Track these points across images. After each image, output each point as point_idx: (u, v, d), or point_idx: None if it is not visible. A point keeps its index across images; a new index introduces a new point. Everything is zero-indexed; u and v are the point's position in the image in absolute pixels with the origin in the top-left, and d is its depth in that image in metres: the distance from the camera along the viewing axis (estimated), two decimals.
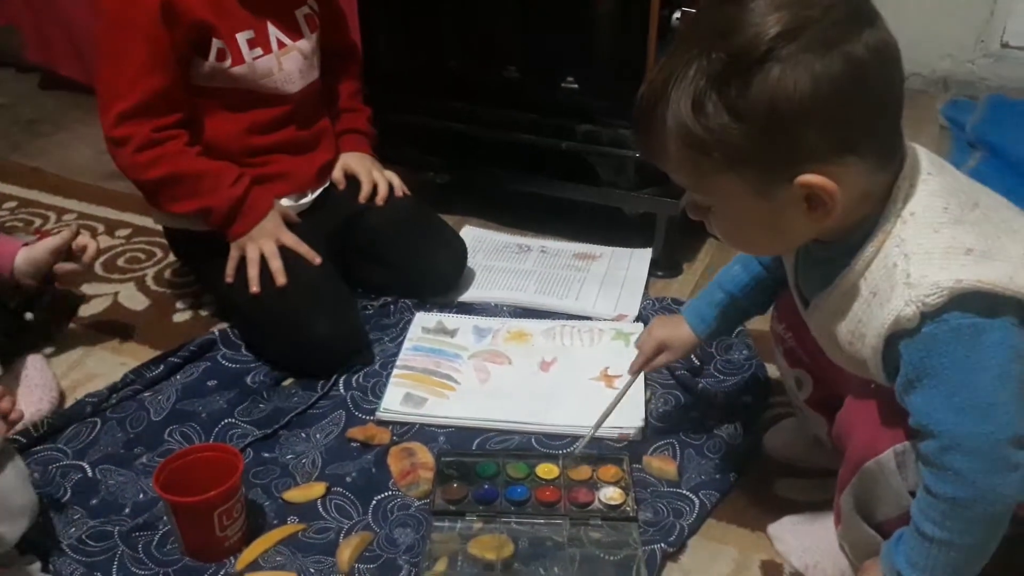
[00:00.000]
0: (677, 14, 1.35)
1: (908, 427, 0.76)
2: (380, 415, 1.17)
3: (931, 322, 0.71)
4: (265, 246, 1.24)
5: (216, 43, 1.22)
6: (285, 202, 1.34)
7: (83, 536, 0.98)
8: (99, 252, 1.30)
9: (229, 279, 1.25)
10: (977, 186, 0.80)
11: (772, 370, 1.20)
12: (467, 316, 1.37)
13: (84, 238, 1.26)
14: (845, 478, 0.85)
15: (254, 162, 1.30)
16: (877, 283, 0.75)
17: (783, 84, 0.67)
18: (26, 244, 1.23)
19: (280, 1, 1.29)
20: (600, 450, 1.10)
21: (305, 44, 1.31)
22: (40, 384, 1.19)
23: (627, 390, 1.07)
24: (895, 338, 0.74)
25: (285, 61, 1.29)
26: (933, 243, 0.72)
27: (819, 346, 0.87)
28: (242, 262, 1.25)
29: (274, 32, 1.28)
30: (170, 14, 1.17)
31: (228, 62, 1.23)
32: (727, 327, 1.07)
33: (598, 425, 1.07)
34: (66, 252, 1.24)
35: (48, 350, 1.30)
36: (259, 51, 1.26)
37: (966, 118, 1.89)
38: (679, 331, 1.05)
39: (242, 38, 1.24)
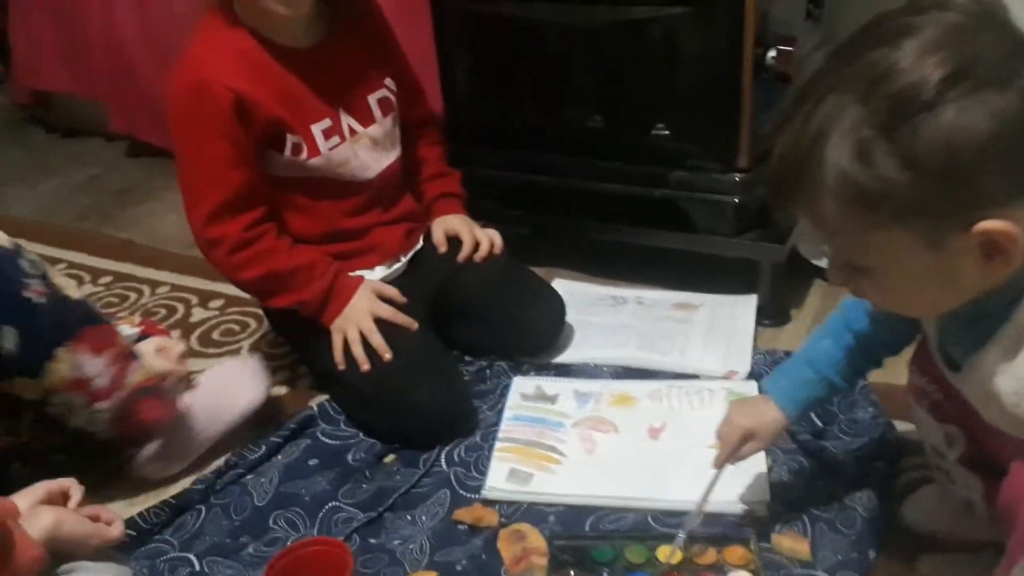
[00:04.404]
0: (772, 52, 1.28)
1: None
2: (486, 494, 1.12)
3: None
4: (363, 323, 1.23)
5: (291, 138, 1.20)
6: (379, 271, 1.32)
7: None
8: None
9: (341, 366, 1.23)
10: None
11: (900, 427, 1.11)
12: (567, 379, 1.31)
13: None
14: (1017, 551, 0.77)
15: (341, 243, 1.29)
16: None
17: (960, 126, 0.63)
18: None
19: (353, 89, 1.27)
20: (724, 529, 1.03)
21: (376, 129, 1.29)
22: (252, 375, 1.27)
23: (714, 485, 0.99)
24: None
25: (358, 148, 1.27)
26: None
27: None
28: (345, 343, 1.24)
29: (346, 120, 1.25)
30: (243, 112, 1.16)
31: (304, 154, 1.21)
32: (817, 407, 1.02)
33: (689, 525, 0.99)
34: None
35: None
36: (336, 140, 1.24)
37: None
38: (765, 415, 0.98)
39: (317, 129, 1.22)
